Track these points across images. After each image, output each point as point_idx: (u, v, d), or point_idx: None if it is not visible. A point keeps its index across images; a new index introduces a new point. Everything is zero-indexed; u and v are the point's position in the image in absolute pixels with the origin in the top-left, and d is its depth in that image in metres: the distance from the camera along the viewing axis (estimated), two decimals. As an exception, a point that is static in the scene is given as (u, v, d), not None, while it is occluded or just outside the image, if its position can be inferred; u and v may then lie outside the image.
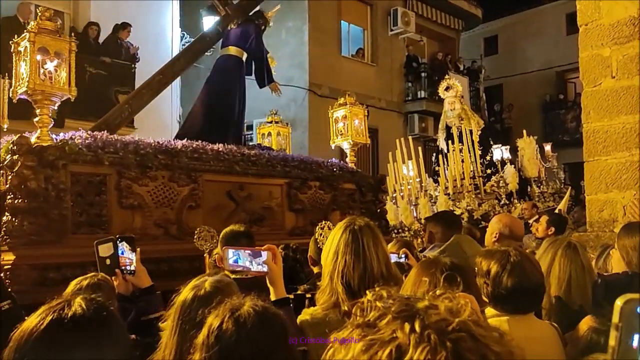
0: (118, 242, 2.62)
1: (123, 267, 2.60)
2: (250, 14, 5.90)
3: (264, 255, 2.06)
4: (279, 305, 1.87)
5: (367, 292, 0.81)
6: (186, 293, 1.72)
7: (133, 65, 10.37)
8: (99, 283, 2.42)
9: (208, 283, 1.75)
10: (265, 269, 2.05)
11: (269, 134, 6.87)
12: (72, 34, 10.06)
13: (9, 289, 2.79)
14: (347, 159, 5.81)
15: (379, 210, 5.69)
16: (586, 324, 2.11)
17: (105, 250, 2.63)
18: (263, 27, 5.81)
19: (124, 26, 10.41)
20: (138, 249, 2.67)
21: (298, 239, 4.47)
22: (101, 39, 10.44)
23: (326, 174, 5.37)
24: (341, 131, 5.86)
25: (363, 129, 5.89)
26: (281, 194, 5.06)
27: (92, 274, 2.52)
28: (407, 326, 0.70)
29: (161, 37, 11.66)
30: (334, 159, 5.71)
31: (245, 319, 1.32)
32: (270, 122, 6.95)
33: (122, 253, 2.63)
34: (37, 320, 1.13)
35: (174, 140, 4.65)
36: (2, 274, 3.19)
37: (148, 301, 2.55)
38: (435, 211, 8.15)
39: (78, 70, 9.46)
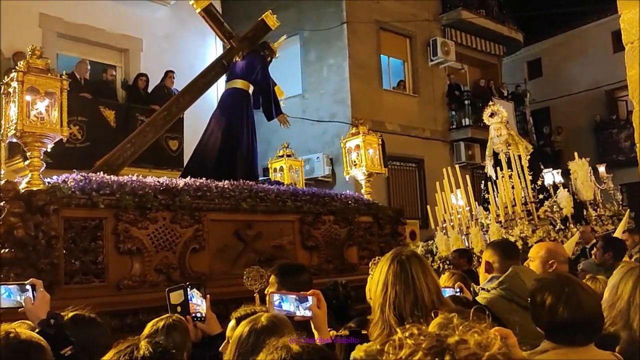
0: (188, 289, 2.56)
1: (193, 314, 2.53)
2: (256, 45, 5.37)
3: (310, 300, 1.99)
4: None
5: (398, 329, 0.84)
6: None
7: (181, 112, 10.20)
8: (174, 324, 2.34)
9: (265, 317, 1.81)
10: (309, 313, 1.97)
11: (281, 168, 6.12)
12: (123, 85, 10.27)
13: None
14: (363, 190, 5.07)
15: (400, 244, 4.86)
16: None
17: (176, 297, 2.57)
18: (269, 59, 5.29)
19: (167, 73, 10.35)
20: (208, 296, 2.59)
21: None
22: (151, 88, 10.42)
23: (340, 207, 4.66)
24: (355, 161, 5.18)
25: (378, 158, 5.17)
26: (293, 230, 4.40)
27: (167, 315, 2.43)
28: None
29: (206, 82, 11.51)
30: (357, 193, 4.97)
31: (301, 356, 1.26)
32: (282, 155, 6.21)
33: (192, 299, 2.55)
34: None
35: (177, 179, 4.10)
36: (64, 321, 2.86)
37: (219, 348, 2.29)
38: (487, 240, 7.43)
39: (130, 119, 9.46)
